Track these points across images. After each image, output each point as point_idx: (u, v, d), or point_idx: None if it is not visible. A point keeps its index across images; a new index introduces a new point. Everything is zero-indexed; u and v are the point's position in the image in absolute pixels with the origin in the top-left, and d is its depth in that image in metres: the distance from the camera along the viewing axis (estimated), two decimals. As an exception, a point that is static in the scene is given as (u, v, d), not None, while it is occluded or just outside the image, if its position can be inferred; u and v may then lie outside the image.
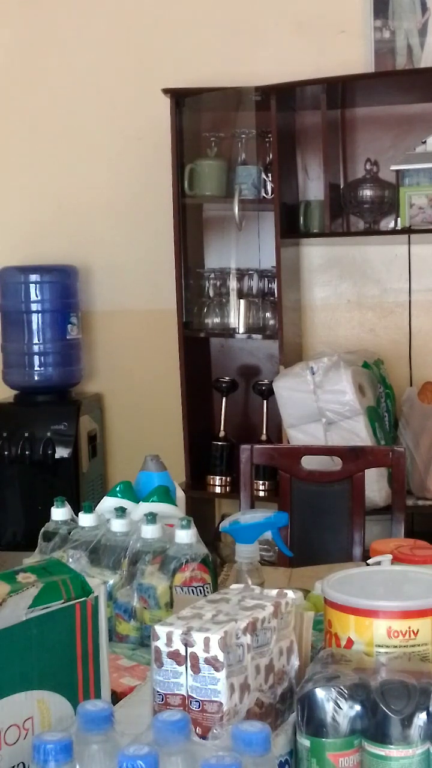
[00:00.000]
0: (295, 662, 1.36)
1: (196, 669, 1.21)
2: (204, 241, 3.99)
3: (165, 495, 1.99)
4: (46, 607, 1.20)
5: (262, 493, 3.64)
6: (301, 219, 3.79)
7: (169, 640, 1.23)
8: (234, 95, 3.76)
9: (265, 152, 3.75)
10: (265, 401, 3.80)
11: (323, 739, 1.21)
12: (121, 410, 4.18)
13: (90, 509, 1.96)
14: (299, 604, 1.43)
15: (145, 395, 4.12)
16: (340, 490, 2.66)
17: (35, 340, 3.94)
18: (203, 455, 3.83)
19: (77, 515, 1.97)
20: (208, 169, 3.78)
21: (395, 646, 1.37)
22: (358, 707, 1.21)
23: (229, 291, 3.82)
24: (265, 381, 3.79)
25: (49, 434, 3.80)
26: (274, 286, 3.70)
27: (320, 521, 2.68)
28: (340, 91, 3.64)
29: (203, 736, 1.19)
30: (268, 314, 3.78)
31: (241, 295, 3.81)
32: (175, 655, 1.23)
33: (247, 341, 3.91)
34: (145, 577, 1.82)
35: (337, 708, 1.20)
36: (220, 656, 1.20)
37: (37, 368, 3.95)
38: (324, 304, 3.95)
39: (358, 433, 3.35)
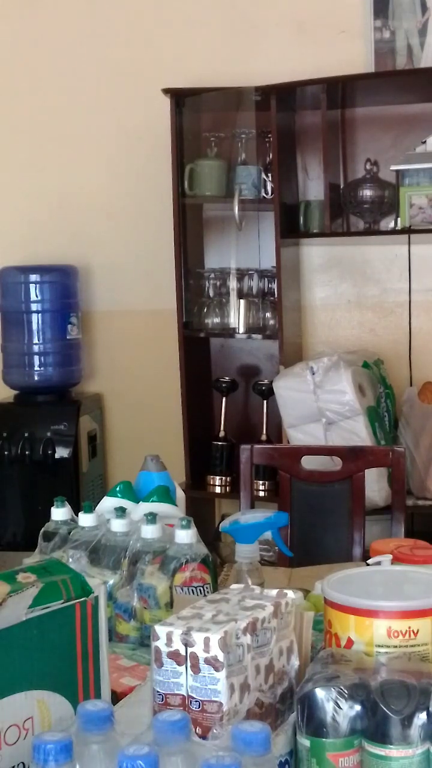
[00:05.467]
0: (295, 662, 1.36)
1: (196, 669, 1.21)
2: (204, 241, 3.99)
3: (165, 495, 1.99)
4: (46, 607, 1.20)
5: (262, 493, 3.64)
6: (301, 219, 3.79)
7: (169, 640, 1.23)
8: (234, 95, 3.76)
9: (265, 152, 3.75)
10: (265, 401, 3.80)
11: (323, 739, 1.21)
12: (121, 410, 4.18)
13: (90, 509, 1.96)
14: (299, 604, 1.43)
15: (145, 395, 4.12)
16: (340, 490, 2.66)
17: (35, 340, 3.94)
18: (203, 455, 3.83)
19: (77, 515, 1.97)
20: (208, 169, 3.78)
21: (395, 646, 1.37)
22: (358, 707, 1.21)
23: (229, 291, 3.82)
24: (265, 381, 3.79)
25: (49, 434, 3.80)
26: (274, 286, 3.70)
27: (320, 521, 2.68)
28: (340, 91, 3.63)
29: (203, 736, 1.19)
30: (268, 314, 3.78)
31: (241, 295, 3.81)
32: (175, 655, 1.23)
33: (247, 341, 3.91)
34: (145, 577, 1.82)
35: (337, 708, 1.20)
36: (220, 656, 1.20)
37: (37, 368, 3.95)
38: (324, 304, 3.95)
39: (358, 433, 3.35)
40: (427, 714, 1.19)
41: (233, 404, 3.94)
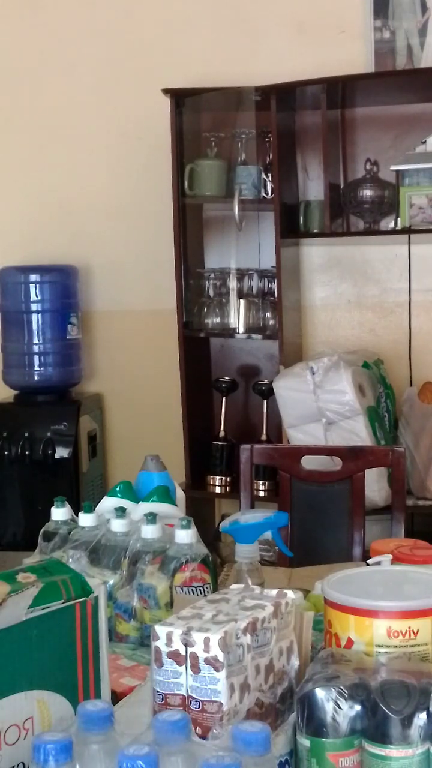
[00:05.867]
0: (295, 662, 1.36)
1: (196, 669, 1.21)
2: (204, 241, 3.99)
3: (165, 495, 1.99)
4: (46, 607, 1.20)
5: (262, 493, 3.64)
6: (301, 219, 3.79)
7: (169, 640, 1.23)
8: (234, 95, 3.76)
9: (265, 152, 3.75)
10: (265, 401, 3.80)
11: (323, 739, 1.21)
12: (121, 410, 4.18)
13: (90, 509, 1.96)
14: (299, 604, 1.43)
15: (145, 395, 4.12)
16: (340, 490, 2.66)
17: (35, 340, 3.94)
18: (203, 455, 3.83)
19: (77, 515, 1.97)
20: (208, 169, 3.78)
21: (395, 646, 1.37)
22: (358, 707, 1.21)
23: (229, 291, 3.82)
24: (265, 381, 3.79)
25: (49, 434, 3.80)
26: (274, 286, 3.70)
27: (320, 521, 2.68)
28: (340, 91, 3.64)
29: (203, 736, 1.19)
30: (268, 314, 3.78)
31: (241, 295, 3.81)
32: (175, 655, 1.23)
33: (247, 341, 3.91)
34: (145, 577, 1.82)
35: (337, 708, 1.20)
36: (220, 656, 1.20)
37: (37, 368, 3.95)
38: (324, 304, 3.95)
39: (358, 433, 3.35)
40: (427, 714, 1.19)
41: (233, 404, 3.94)
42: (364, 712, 1.21)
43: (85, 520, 1.95)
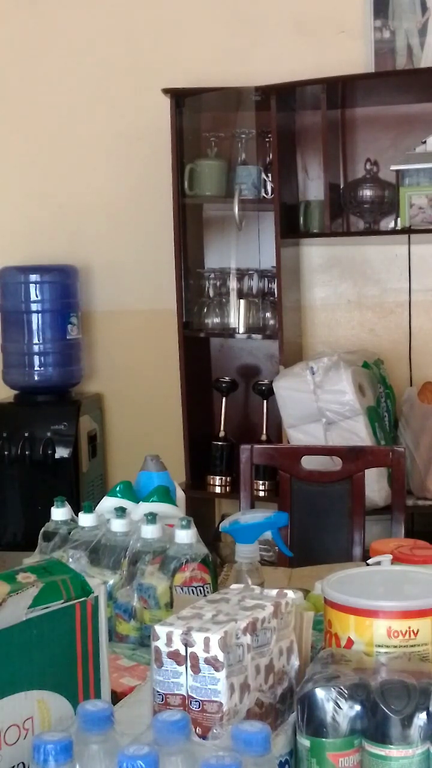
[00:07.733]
0: (295, 662, 1.36)
1: (196, 669, 1.21)
2: (204, 241, 3.99)
3: (165, 495, 1.99)
4: (46, 607, 1.20)
5: (262, 493, 3.64)
6: (301, 219, 3.79)
7: (169, 640, 1.23)
8: (234, 95, 3.76)
9: (265, 152, 3.75)
10: (265, 401, 3.80)
11: (323, 739, 1.21)
12: (121, 410, 4.18)
13: (90, 509, 1.96)
14: (299, 604, 1.43)
15: (145, 395, 4.12)
16: (340, 490, 2.66)
17: (35, 340, 3.94)
18: (203, 455, 3.83)
19: (77, 515, 1.97)
20: (208, 169, 3.78)
21: (395, 646, 1.37)
22: (358, 707, 1.21)
23: (229, 291, 3.82)
24: (265, 381, 3.79)
25: (49, 434, 3.80)
26: (274, 286, 3.70)
27: (320, 521, 2.68)
28: (340, 91, 3.64)
29: (203, 736, 1.19)
30: (268, 314, 3.78)
31: (241, 295, 3.81)
32: (175, 655, 1.23)
33: (247, 341, 3.91)
34: (145, 577, 1.82)
35: (337, 708, 1.20)
36: (220, 656, 1.20)
37: (37, 368, 3.95)
38: (324, 304, 3.95)
39: (358, 433, 3.35)
40: (427, 714, 1.19)
41: (233, 404, 3.94)
42: (364, 712, 1.21)
43: (85, 520, 1.95)
